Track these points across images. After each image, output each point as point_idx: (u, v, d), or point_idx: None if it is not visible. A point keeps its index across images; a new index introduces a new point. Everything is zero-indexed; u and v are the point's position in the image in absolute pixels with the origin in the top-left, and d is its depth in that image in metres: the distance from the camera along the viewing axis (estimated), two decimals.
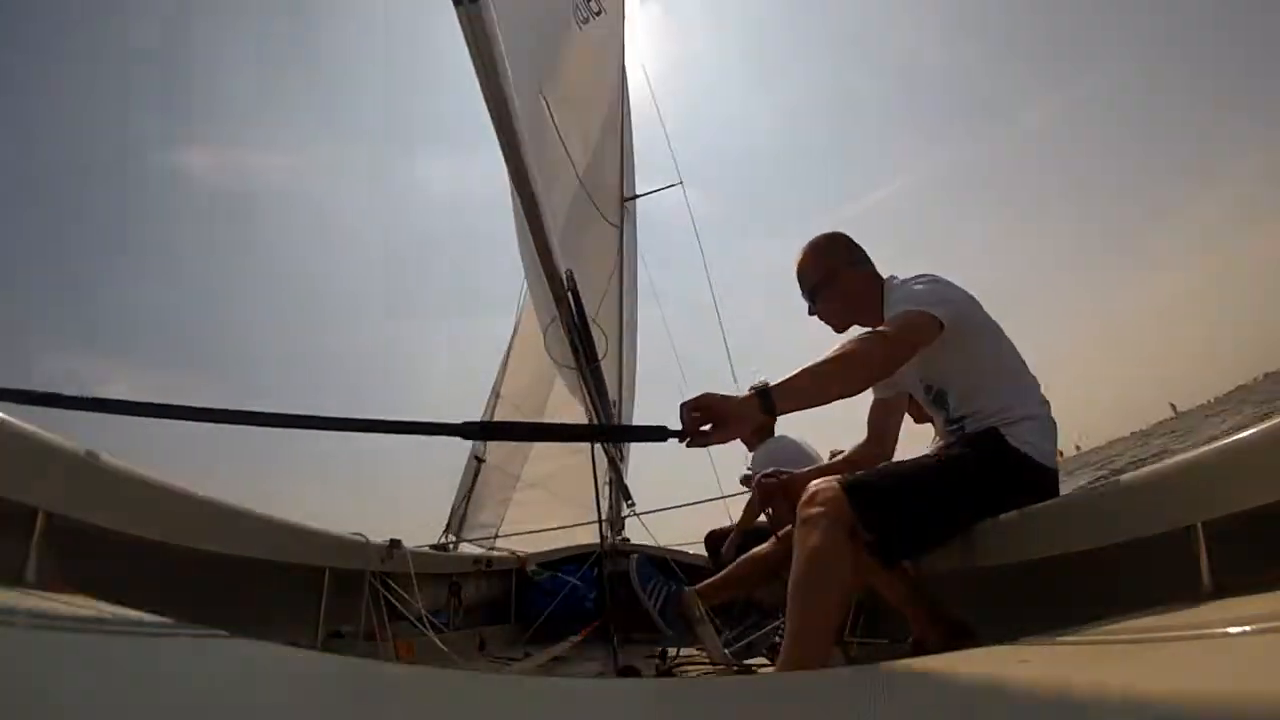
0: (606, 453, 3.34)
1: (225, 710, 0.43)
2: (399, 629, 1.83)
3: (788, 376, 1.26)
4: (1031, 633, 0.85)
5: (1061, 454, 1.50)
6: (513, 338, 4.67)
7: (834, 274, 1.64)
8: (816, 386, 1.33)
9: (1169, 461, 1.00)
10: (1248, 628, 0.64)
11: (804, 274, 1.70)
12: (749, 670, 2.01)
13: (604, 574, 3.17)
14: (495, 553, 3.29)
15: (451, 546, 3.56)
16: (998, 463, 1.36)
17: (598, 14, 2.78)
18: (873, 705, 0.56)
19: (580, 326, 1.99)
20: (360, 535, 1.81)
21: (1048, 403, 1.49)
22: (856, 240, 1.71)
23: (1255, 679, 0.45)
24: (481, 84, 1.20)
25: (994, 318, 1.52)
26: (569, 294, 1.90)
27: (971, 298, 1.49)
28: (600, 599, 3.13)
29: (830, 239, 1.71)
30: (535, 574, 3.19)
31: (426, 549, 2.64)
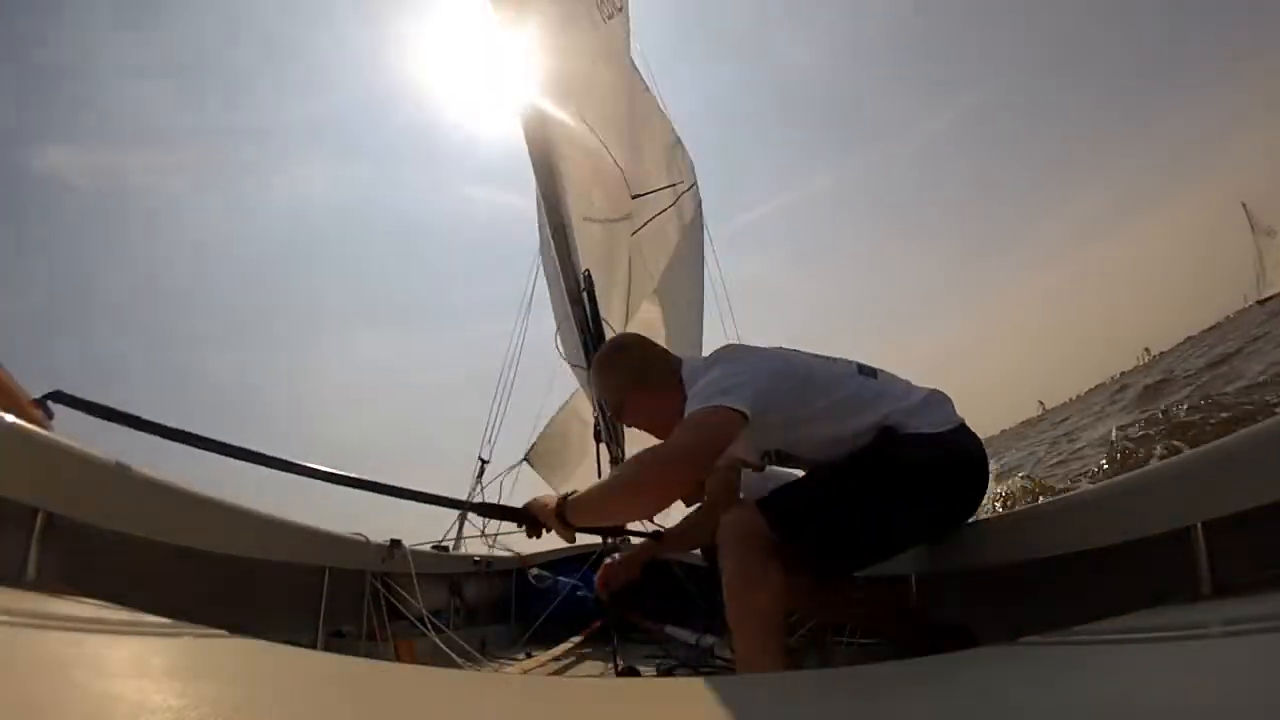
0: (610, 453, 3.34)
1: (225, 710, 0.43)
2: (399, 629, 1.83)
3: (585, 491, 1.30)
4: (1031, 633, 0.85)
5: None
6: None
7: (624, 401, 1.57)
8: (604, 511, 1.35)
9: (1169, 461, 1.00)
10: (1248, 627, 0.64)
11: (602, 399, 1.67)
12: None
13: None
14: (496, 553, 3.28)
15: (452, 546, 3.55)
16: (903, 455, 1.29)
17: (610, 17, 2.77)
18: (873, 706, 0.56)
19: (593, 327, 2.00)
20: (360, 535, 1.81)
21: (912, 387, 1.41)
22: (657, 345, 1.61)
23: (1254, 679, 0.45)
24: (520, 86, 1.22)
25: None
26: (584, 294, 1.91)
27: (775, 363, 1.36)
28: (601, 599, 3.12)
29: (612, 362, 1.61)
30: (536, 575, 3.18)
31: (427, 549, 2.64)
